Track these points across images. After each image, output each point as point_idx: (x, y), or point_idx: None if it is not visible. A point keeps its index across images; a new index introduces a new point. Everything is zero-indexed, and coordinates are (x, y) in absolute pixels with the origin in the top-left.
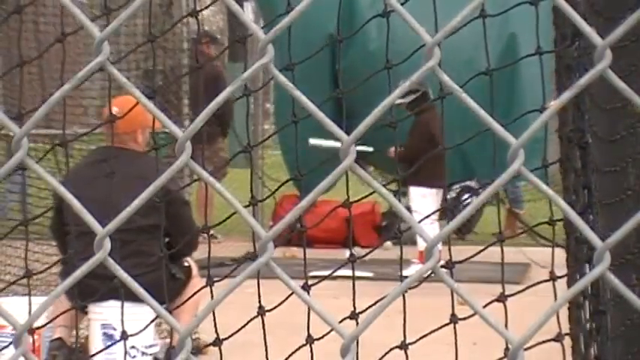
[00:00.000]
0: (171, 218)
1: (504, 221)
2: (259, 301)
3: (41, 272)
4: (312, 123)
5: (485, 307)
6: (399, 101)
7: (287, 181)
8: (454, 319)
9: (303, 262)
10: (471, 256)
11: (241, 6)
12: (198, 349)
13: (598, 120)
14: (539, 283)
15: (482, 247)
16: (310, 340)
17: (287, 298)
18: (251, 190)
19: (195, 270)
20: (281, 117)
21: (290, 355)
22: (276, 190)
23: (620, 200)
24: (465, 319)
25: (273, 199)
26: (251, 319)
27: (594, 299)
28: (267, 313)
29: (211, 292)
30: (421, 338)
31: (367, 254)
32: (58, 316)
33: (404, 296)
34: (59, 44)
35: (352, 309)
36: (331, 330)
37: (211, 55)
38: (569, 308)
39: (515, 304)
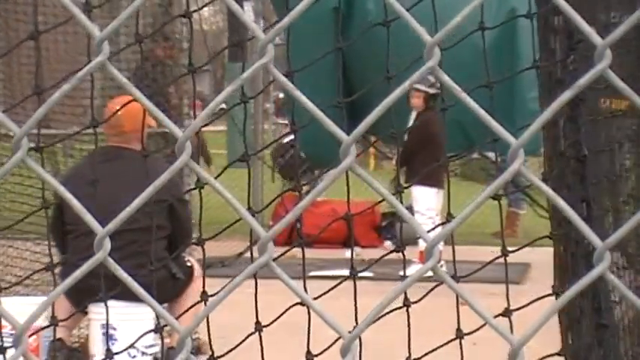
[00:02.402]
0: (173, 219)
1: (504, 221)
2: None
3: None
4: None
5: (496, 317)
6: (423, 88)
7: (285, 191)
8: (459, 334)
9: (305, 262)
10: (476, 270)
11: (241, 6)
12: (198, 349)
13: (593, 132)
14: (534, 301)
15: (480, 247)
16: (310, 356)
17: (293, 306)
18: (248, 199)
19: (197, 270)
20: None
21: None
22: (278, 196)
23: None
24: (469, 333)
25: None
26: (248, 335)
27: (596, 312)
28: (267, 314)
29: (205, 301)
30: (427, 353)
31: (370, 264)
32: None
33: (404, 296)
34: (65, 43)
35: (352, 309)
36: (338, 338)
37: (160, 59)
38: (561, 332)
39: (515, 304)
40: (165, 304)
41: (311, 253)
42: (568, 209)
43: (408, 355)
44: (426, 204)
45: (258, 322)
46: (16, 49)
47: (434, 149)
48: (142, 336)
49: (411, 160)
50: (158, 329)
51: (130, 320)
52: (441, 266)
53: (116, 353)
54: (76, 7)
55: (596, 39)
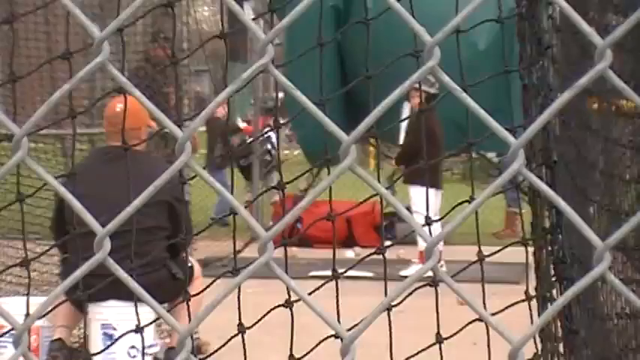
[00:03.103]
0: (173, 219)
1: (504, 221)
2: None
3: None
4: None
5: (494, 314)
6: (429, 89)
7: (269, 189)
8: (439, 339)
9: (304, 262)
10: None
11: (241, 6)
12: (198, 349)
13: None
14: (513, 304)
15: (481, 247)
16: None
17: (295, 301)
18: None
19: (197, 270)
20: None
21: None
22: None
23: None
24: (463, 331)
25: (272, 198)
26: (229, 339)
27: (567, 320)
28: (267, 313)
29: (189, 312)
30: (421, 351)
31: (350, 266)
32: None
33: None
34: (66, 44)
35: (351, 309)
36: (327, 337)
37: (159, 58)
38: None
39: (515, 305)
40: (165, 304)
41: (311, 253)
42: (569, 210)
43: (405, 354)
44: (424, 205)
45: (240, 324)
46: (16, 49)
47: (433, 149)
48: (120, 336)
49: (410, 160)
50: (140, 329)
51: (130, 320)
52: (441, 266)
53: (99, 352)
54: (76, 7)
55: (597, 39)
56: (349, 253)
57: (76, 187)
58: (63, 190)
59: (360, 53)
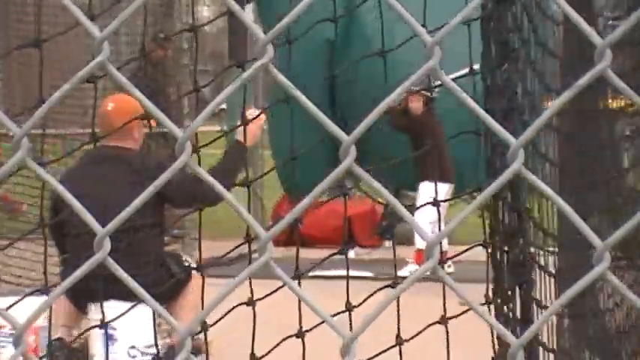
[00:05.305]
0: (169, 199)
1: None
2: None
3: None
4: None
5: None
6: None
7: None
8: (400, 341)
9: (304, 262)
10: None
11: (242, 7)
12: (197, 349)
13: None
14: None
15: (481, 246)
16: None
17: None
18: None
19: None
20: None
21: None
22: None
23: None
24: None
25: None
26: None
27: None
28: (267, 314)
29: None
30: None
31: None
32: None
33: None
34: (66, 44)
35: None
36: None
37: (160, 58)
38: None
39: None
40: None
41: (312, 253)
42: (568, 209)
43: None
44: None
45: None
46: (16, 49)
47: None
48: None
49: (414, 159)
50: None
51: (130, 320)
52: (449, 267)
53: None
54: (76, 7)
55: (597, 39)
56: (351, 254)
57: (72, 188)
58: (62, 190)
59: (352, 87)
